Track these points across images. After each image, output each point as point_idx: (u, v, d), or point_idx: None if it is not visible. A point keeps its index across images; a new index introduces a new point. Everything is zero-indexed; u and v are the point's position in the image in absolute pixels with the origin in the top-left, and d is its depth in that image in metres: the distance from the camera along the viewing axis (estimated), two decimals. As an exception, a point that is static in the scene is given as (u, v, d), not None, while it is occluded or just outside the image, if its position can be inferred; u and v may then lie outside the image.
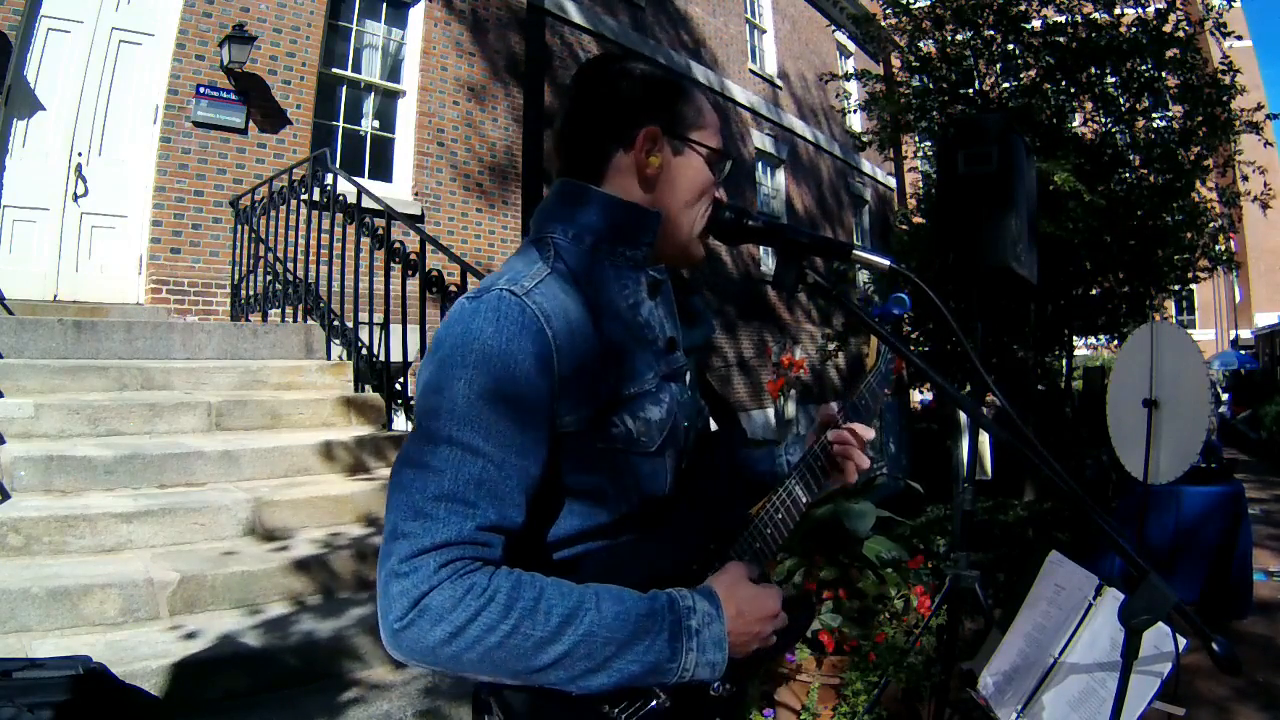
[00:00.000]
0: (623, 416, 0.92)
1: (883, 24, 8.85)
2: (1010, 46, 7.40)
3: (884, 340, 1.06)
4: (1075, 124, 7.56)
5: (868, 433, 1.14)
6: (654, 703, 0.88)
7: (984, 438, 4.28)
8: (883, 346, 1.31)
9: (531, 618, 0.80)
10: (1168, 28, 6.96)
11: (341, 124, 6.78)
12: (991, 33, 7.35)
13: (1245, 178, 8.14)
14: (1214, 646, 0.95)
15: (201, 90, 5.73)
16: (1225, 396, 16.38)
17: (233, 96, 5.88)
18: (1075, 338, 8.98)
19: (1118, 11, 7.11)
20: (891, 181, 17.66)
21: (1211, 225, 8.22)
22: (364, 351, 4.69)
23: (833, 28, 14.33)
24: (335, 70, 6.68)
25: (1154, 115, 7.58)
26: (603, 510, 0.93)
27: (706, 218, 1.04)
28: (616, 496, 0.93)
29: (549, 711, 0.86)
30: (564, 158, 1.03)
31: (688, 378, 1.06)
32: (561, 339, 0.87)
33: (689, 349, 1.09)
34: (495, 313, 0.85)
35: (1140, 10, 7.09)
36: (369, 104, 7.02)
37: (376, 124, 7.05)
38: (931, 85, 7.90)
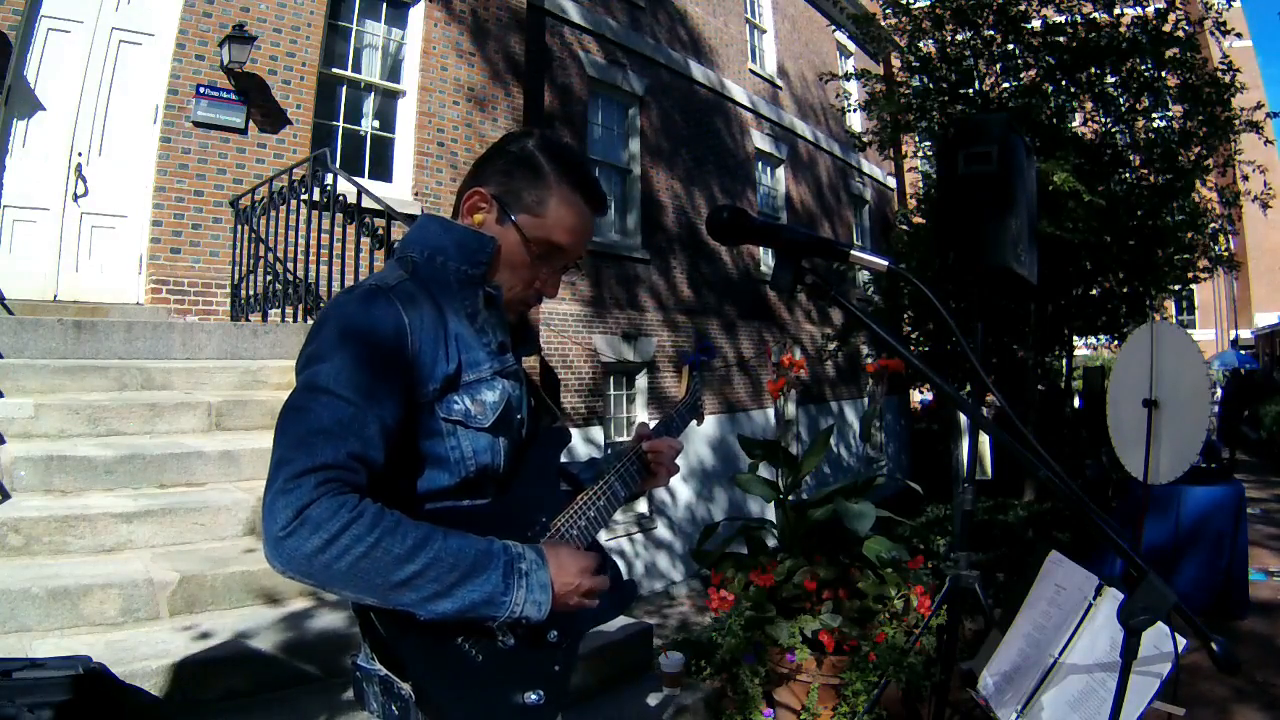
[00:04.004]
0: (462, 396, 1.12)
1: (883, 24, 8.85)
2: (1010, 46, 7.40)
3: (883, 341, 1.06)
4: (1075, 124, 7.56)
5: (676, 444, 1.38)
6: (499, 640, 1.06)
7: (984, 438, 4.28)
8: (694, 384, 1.56)
9: (392, 536, 0.95)
10: (1167, 27, 6.96)
11: (341, 124, 6.77)
12: (991, 33, 7.35)
13: (1245, 177, 8.14)
14: (1213, 646, 0.95)
15: (201, 90, 5.73)
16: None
17: (233, 96, 5.88)
18: (1075, 338, 8.98)
19: (1117, 11, 7.11)
20: (891, 181, 17.65)
21: (1211, 226, 8.22)
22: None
23: (833, 28, 14.32)
24: (335, 70, 6.68)
25: (1154, 115, 7.58)
26: (444, 473, 1.10)
27: (517, 293, 1.22)
28: (456, 463, 1.11)
29: (411, 639, 1.00)
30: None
31: (520, 379, 1.26)
32: (415, 325, 1.07)
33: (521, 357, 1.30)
34: (366, 301, 1.07)
35: (1140, 10, 7.08)
36: (369, 104, 7.02)
37: (376, 124, 7.05)
38: (931, 85, 7.91)
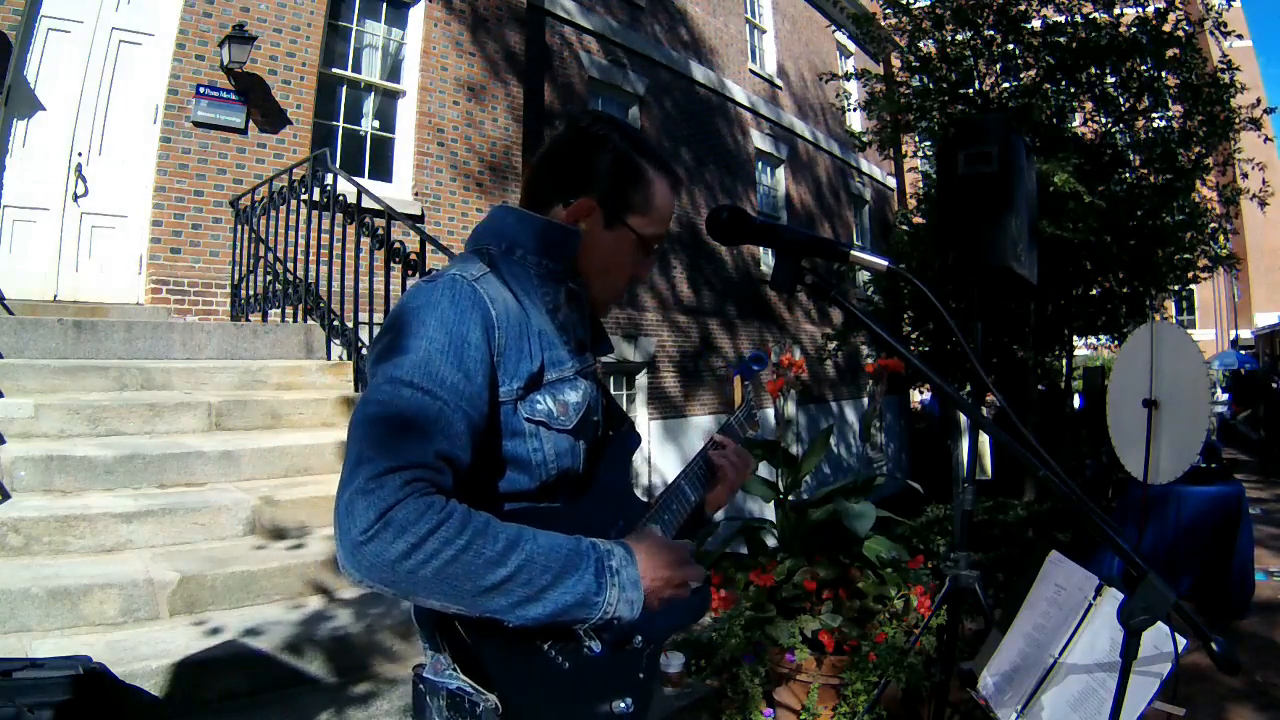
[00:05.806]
0: (545, 396, 1.07)
1: (883, 24, 8.85)
2: (1010, 46, 7.40)
3: (883, 341, 1.06)
4: (1075, 124, 7.56)
5: (741, 449, 1.36)
6: (585, 646, 1.00)
7: (984, 438, 4.28)
8: (747, 394, 1.56)
9: (483, 536, 0.88)
10: (1167, 27, 6.96)
11: (341, 124, 6.77)
12: (991, 33, 7.35)
13: (1245, 175, 8.13)
14: (1213, 646, 0.95)
15: (201, 90, 5.73)
16: (1225, 396, 16.39)
17: (233, 96, 5.88)
18: (1075, 338, 8.97)
19: (1117, 11, 7.11)
20: (891, 181, 17.65)
21: (1211, 226, 8.22)
22: (364, 351, 4.68)
23: (833, 28, 14.32)
24: (335, 70, 6.68)
25: (1154, 115, 7.58)
26: (524, 476, 1.05)
27: (618, 289, 1.22)
28: (538, 466, 1.06)
29: (495, 647, 0.94)
30: (524, 191, 1.21)
31: (598, 379, 1.21)
32: (501, 319, 1.03)
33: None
34: (451, 290, 1.01)
35: (1140, 10, 7.08)
36: (369, 104, 7.02)
37: (376, 124, 7.05)
38: (931, 85, 7.90)
